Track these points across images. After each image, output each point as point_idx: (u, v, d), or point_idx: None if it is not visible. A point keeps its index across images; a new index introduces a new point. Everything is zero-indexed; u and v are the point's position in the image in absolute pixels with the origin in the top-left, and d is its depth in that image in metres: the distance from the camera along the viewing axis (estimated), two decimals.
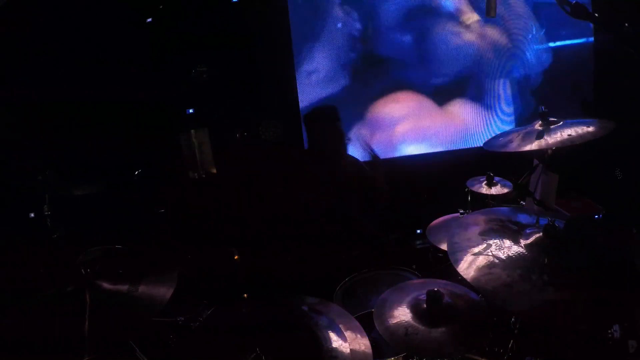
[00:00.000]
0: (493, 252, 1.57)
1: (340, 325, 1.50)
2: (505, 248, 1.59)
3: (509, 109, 4.12)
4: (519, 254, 1.56)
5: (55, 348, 1.42)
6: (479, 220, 1.79)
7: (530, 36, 4.01)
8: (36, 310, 1.57)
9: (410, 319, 1.64)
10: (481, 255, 1.56)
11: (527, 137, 2.31)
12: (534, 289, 1.42)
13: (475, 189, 2.90)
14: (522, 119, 4.07)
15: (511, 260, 1.53)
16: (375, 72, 3.83)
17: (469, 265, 1.54)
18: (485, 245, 1.61)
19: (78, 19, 3.03)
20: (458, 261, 1.57)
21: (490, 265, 1.51)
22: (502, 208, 2.01)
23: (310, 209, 2.57)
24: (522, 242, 1.62)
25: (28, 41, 2.98)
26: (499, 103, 4.10)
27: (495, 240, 1.63)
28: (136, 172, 3.02)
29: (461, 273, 1.52)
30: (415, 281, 1.99)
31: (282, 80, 3.73)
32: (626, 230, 3.13)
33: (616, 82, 4.03)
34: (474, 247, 1.62)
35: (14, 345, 1.51)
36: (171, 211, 3.71)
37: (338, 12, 3.71)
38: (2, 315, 1.95)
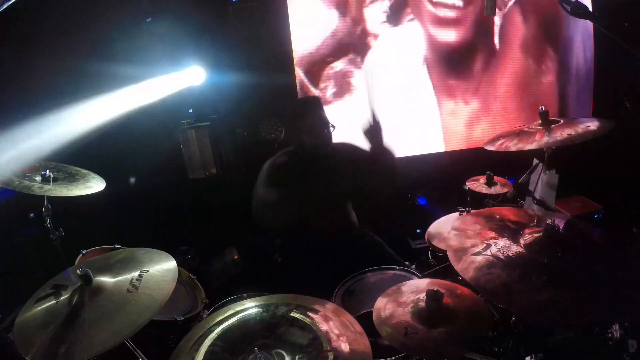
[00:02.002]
0: (492, 252, 1.57)
1: (340, 325, 1.50)
2: (505, 248, 1.59)
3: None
4: (518, 254, 1.56)
5: (55, 348, 1.42)
6: (478, 220, 1.79)
7: None
8: (35, 310, 1.58)
9: (410, 319, 1.64)
10: (480, 256, 1.56)
11: (527, 137, 2.32)
12: (534, 289, 1.42)
13: (475, 188, 2.90)
14: None
15: (511, 260, 1.53)
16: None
17: (468, 265, 1.54)
18: (484, 245, 1.61)
19: (77, 18, 3.03)
20: (457, 261, 1.57)
21: (489, 265, 1.51)
22: (501, 207, 2.00)
23: (306, 209, 2.53)
24: (522, 241, 1.62)
25: (28, 40, 2.98)
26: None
27: (495, 240, 1.63)
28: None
29: (460, 273, 1.52)
30: (415, 281, 1.99)
31: (282, 79, 3.73)
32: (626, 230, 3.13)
33: (616, 82, 4.04)
34: (474, 247, 1.61)
35: (14, 345, 1.51)
36: (171, 211, 3.72)
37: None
38: (2, 315, 1.96)
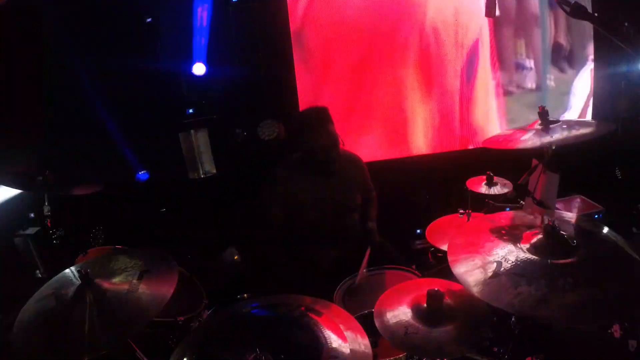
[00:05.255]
0: (505, 268, 1.51)
1: (340, 325, 1.50)
2: (514, 258, 1.54)
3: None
4: (523, 259, 1.53)
5: (56, 348, 1.42)
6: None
7: None
8: (36, 310, 1.57)
9: (410, 319, 1.64)
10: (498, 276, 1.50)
11: (527, 136, 2.31)
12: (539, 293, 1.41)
13: (475, 189, 2.90)
14: None
15: (518, 269, 1.50)
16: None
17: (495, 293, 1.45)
18: (495, 265, 1.55)
19: (77, 17, 3.04)
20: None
21: (514, 285, 1.44)
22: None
23: (308, 211, 2.53)
24: (526, 246, 1.60)
25: (29, 40, 2.98)
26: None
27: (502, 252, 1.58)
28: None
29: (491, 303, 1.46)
30: (415, 281, 1.99)
31: (282, 80, 3.73)
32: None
33: (616, 82, 4.04)
34: (487, 269, 1.54)
35: (14, 346, 1.51)
36: (172, 211, 3.72)
37: None
38: (3, 316, 1.95)
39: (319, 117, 2.46)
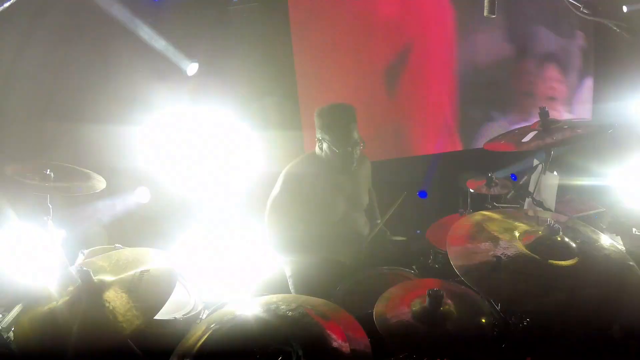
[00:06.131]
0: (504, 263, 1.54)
1: (340, 325, 1.50)
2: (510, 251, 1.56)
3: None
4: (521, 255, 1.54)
5: (55, 348, 1.42)
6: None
7: None
8: (36, 310, 1.58)
9: (410, 319, 1.64)
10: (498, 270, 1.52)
11: (527, 137, 2.32)
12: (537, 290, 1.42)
13: (475, 189, 2.91)
14: None
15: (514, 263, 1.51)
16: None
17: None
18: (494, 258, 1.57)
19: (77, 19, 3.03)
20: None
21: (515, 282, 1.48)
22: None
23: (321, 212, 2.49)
24: (523, 242, 1.61)
25: (30, 40, 2.98)
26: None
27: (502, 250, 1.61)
28: None
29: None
30: (415, 281, 1.99)
31: (283, 80, 3.72)
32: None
33: (615, 84, 4.03)
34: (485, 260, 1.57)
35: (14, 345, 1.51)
36: (172, 211, 3.71)
37: None
38: (2, 315, 1.96)
39: (346, 114, 2.38)
